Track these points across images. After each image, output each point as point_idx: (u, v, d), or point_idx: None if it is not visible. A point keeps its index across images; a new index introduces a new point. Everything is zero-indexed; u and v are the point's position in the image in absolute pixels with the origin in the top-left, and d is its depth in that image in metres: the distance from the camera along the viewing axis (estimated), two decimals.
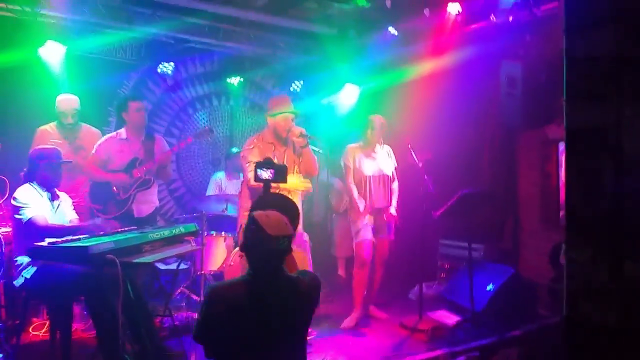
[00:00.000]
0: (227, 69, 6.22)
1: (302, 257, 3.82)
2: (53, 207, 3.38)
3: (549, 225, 4.76)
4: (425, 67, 5.01)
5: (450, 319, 4.35)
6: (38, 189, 3.33)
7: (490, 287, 4.37)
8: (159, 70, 5.63)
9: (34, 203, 3.20)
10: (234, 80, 6.22)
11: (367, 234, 4.36)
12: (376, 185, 4.40)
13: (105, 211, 4.05)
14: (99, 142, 4.17)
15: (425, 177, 4.26)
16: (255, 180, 2.93)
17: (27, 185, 3.32)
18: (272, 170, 2.83)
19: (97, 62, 5.35)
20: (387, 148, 4.57)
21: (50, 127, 4.24)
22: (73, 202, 3.65)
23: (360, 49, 5.63)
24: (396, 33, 5.23)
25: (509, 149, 5.00)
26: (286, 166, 3.08)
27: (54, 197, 3.43)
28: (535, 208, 4.88)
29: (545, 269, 4.51)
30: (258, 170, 2.81)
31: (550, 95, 4.39)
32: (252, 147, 3.90)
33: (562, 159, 4.68)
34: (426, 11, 4.66)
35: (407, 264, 5.32)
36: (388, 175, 4.47)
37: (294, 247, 3.56)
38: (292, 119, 3.93)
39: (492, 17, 4.40)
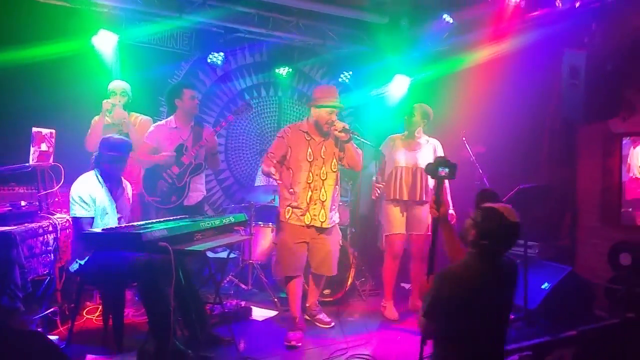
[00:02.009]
0: (276, 59, 6.21)
1: (329, 251, 3.83)
2: (111, 199, 3.41)
3: (609, 223, 4.51)
4: (482, 55, 4.81)
5: None
6: (100, 179, 3.36)
7: (545, 285, 4.19)
8: (209, 61, 5.66)
9: (88, 201, 3.23)
10: (283, 71, 6.20)
11: (398, 228, 4.27)
12: (408, 177, 4.25)
13: (163, 202, 4.07)
14: (149, 130, 4.20)
15: (480, 171, 4.10)
16: (432, 177, 2.70)
17: (89, 174, 3.36)
18: (446, 170, 2.68)
19: (148, 52, 5.43)
20: (434, 142, 4.38)
21: (115, 102, 4.24)
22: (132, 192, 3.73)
23: (412, 38, 5.47)
24: (451, 21, 5.05)
25: (568, 143, 4.75)
26: (456, 164, 2.70)
27: (116, 187, 3.46)
28: (595, 205, 4.62)
29: (604, 269, 4.30)
30: (439, 168, 2.67)
31: (615, 87, 4.13)
32: (280, 136, 3.80)
33: (626, 154, 4.44)
34: None
35: None
36: (423, 169, 4.29)
37: (324, 236, 3.73)
38: (336, 113, 3.76)
39: (558, 3, 4.15)
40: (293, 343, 3.57)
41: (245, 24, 5.44)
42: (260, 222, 4.94)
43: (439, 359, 2.34)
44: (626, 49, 3.99)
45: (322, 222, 3.75)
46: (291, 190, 3.71)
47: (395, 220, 4.28)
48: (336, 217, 3.91)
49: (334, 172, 3.81)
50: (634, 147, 4.38)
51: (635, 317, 3.36)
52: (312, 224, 3.74)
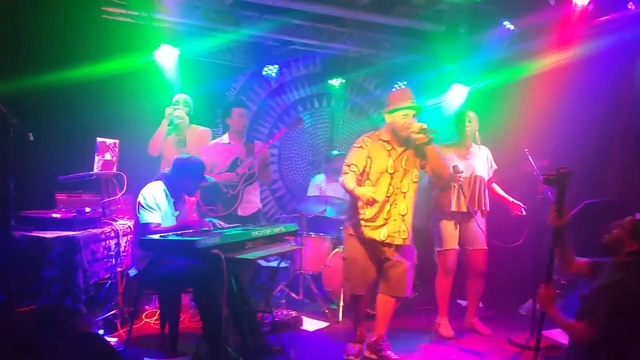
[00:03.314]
0: (330, 70, 6.23)
1: (405, 270, 3.49)
2: (174, 213, 3.49)
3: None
4: (545, 63, 4.60)
5: (566, 338, 3.94)
6: (167, 192, 3.43)
7: None
8: (263, 73, 5.78)
9: (155, 207, 3.30)
10: (336, 82, 6.21)
11: (452, 243, 4.11)
12: (466, 187, 4.08)
13: (216, 210, 4.22)
14: (205, 148, 4.37)
15: (544, 184, 3.89)
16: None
17: (158, 184, 3.42)
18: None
19: (206, 65, 5.61)
20: (485, 149, 4.24)
21: (180, 108, 4.42)
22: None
23: (470, 46, 5.32)
24: (512, 28, 4.87)
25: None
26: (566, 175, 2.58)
27: (179, 202, 3.54)
28: None
29: None
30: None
31: None
32: (359, 146, 3.46)
33: None
34: (552, 0, 4.24)
35: (519, 277, 4.93)
36: (482, 177, 4.13)
37: (403, 254, 3.44)
38: (413, 115, 3.40)
39: (631, 5, 3.90)
40: (351, 357, 3.48)
41: (300, 36, 5.50)
42: (311, 233, 4.94)
43: None
44: None
45: (404, 238, 3.41)
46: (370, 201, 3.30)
47: (449, 235, 4.13)
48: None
49: (415, 183, 3.48)
50: None
51: None
52: (390, 241, 3.40)
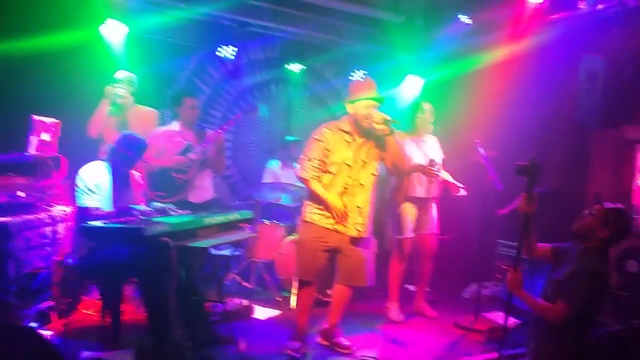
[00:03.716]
0: (288, 55, 6.11)
1: (361, 259, 3.48)
2: (118, 196, 3.31)
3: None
4: (497, 57, 4.70)
5: (508, 320, 4.09)
6: (109, 172, 3.25)
7: None
8: (219, 54, 5.56)
9: (95, 190, 3.12)
10: (294, 67, 6.10)
11: (409, 230, 4.18)
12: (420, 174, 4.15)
13: (166, 196, 4.02)
14: (154, 133, 4.19)
15: (492, 175, 3.99)
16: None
17: (99, 164, 3.24)
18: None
19: (157, 43, 5.30)
20: (433, 138, 4.33)
21: (121, 87, 4.20)
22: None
23: (427, 38, 5.37)
24: (468, 22, 4.94)
25: (581, 148, 4.63)
26: (537, 165, 2.64)
27: (122, 180, 3.36)
28: None
29: (611, 276, 4.18)
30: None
31: (631, 93, 4.03)
32: (318, 139, 3.36)
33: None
34: None
35: (463, 261, 5.08)
36: (439, 165, 4.19)
37: (359, 246, 3.42)
38: (375, 106, 3.34)
39: (583, 5, 4.04)
40: (291, 352, 3.36)
41: (257, 18, 5.34)
42: (265, 220, 4.86)
43: (570, 346, 2.59)
44: None
45: (359, 231, 3.38)
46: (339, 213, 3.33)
47: (407, 223, 4.19)
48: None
49: (374, 176, 3.45)
50: None
51: (619, 330, 3.30)
52: (344, 231, 3.35)
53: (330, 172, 3.35)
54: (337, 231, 3.34)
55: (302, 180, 3.41)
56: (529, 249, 2.78)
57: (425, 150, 4.21)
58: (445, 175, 4.34)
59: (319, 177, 3.34)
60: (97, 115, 4.11)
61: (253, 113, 4.46)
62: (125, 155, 3.26)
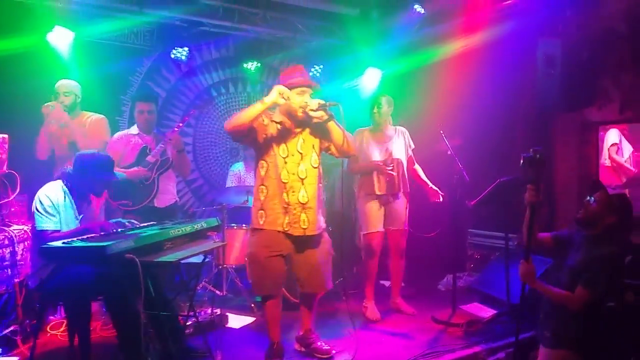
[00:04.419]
0: (244, 54, 5.98)
1: (317, 263, 3.25)
2: (77, 216, 3.13)
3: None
4: (455, 47, 4.73)
5: (485, 312, 4.16)
6: (68, 194, 3.06)
7: None
8: (172, 56, 5.41)
9: (53, 212, 2.96)
10: (251, 66, 5.98)
11: (376, 225, 4.15)
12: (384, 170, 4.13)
13: (129, 204, 3.92)
14: (112, 140, 4.09)
15: (459, 164, 4.01)
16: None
17: (56, 184, 3.05)
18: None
19: (108, 48, 5.14)
20: (401, 130, 4.30)
21: (54, 104, 3.93)
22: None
23: (383, 30, 5.36)
24: (423, 11, 4.94)
25: (544, 133, 4.72)
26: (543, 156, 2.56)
27: (83, 202, 3.17)
28: (573, 195, 4.61)
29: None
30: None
31: (591, 76, 4.12)
32: (259, 120, 3.09)
33: (603, 143, 4.44)
34: None
35: (435, 254, 5.11)
36: (399, 160, 4.18)
37: (310, 247, 3.23)
38: (309, 94, 3.07)
39: None
40: None
41: (210, 17, 5.20)
42: (233, 225, 4.75)
43: (589, 331, 2.62)
44: (601, 36, 3.96)
45: (304, 229, 3.11)
46: (262, 186, 3.12)
47: (373, 218, 4.17)
48: (322, 222, 3.27)
49: (315, 168, 3.16)
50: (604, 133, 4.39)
51: (615, 305, 3.37)
52: (290, 232, 3.11)
53: (263, 162, 3.15)
54: (286, 233, 3.12)
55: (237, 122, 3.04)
56: (533, 238, 2.79)
57: (388, 145, 4.18)
58: (421, 175, 4.32)
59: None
60: (40, 141, 3.90)
61: (208, 106, 4.33)
62: (84, 182, 3.08)
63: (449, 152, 4.10)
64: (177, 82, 5.81)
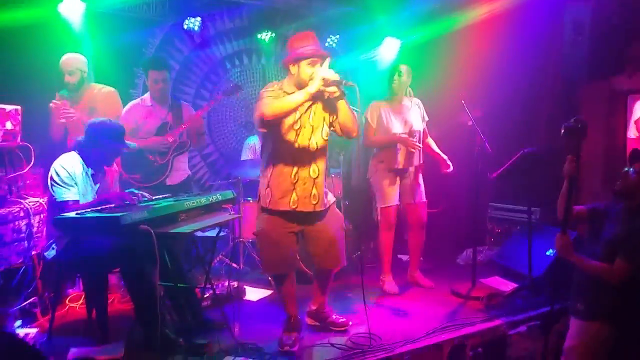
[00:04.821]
0: (258, 23, 5.82)
1: (331, 239, 3.15)
2: (93, 186, 3.12)
3: (612, 186, 4.36)
4: (477, 13, 4.53)
5: (505, 285, 4.09)
6: (83, 164, 3.05)
7: (550, 252, 4.04)
8: (185, 27, 5.29)
9: (71, 182, 2.94)
10: (265, 36, 5.84)
11: (393, 199, 4.06)
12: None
13: (143, 180, 3.84)
14: (124, 110, 3.98)
15: (482, 136, 3.88)
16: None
17: (72, 155, 3.03)
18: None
19: (120, 20, 5.01)
20: (416, 101, 4.17)
21: (58, 98, 3.91)
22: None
23: None
24: None
25: (569, 103, 4.54)
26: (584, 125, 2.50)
27: (98, 172, 3.16)
28: (598, 167, 4.46)
29: None
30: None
31: (621, 42, 3.92)
32: (270, 97, 2.92)
33: (631, 113, 4.26)
34: None
35: (455, 227, 5.02)
36: (419, 132, 4.09)
37: (322, 222, 3.14)
38: (321, 64, 2.91)
39: None
40: (287, 348, 3.03)
41: None
42: (249, 198, 4.70)
43: (624, 303, 2.58)
44: (632, 0, 3.76)
45: (314, 204, 3.01)
46: (270, 161, 3.02)
47: (390, 192, 4.08)
48: (331, 197, 3.19)
49: (325, 140, 3.06)
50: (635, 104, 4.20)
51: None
52: (301, 208, 3.00)
53: (275, 136, 2.99)
54: (295, 211, 3.01)
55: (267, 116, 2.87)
56: (568, 210, 2.73)
57: (406, 117, 4.07)
58: (434, 147, 4.22)
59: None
60: (53, 126, 3.83)
61: (235, 93, 4.22)
62: (97, 151, 3.05)
63: (470, 123, 3.97)
64: (190, 53, 5.70)
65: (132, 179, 3.84)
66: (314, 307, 3.41)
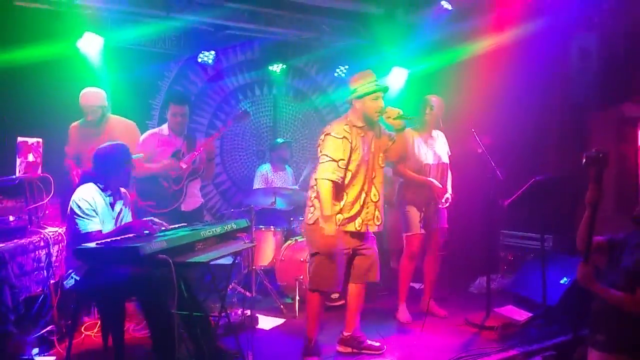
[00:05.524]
0: (269, 56, 5.98)
1: (376, 255, 3.44)
2: (113, 214, 3.19)
3: (625, 212, 4.34)
4: (484, 44, 4.62)
5: (520, 314, 4.04)
6: (101, 192, 3.12)
7: (564, 280, 4.02)
8: (199, 60, 5.45)
9: (92, 213, 3.00)
10: (277, 68, 5.98)
11: (419, 227, 4.08)
12: (435, 174, 4.08)
13: (158, 206, 3.92)
14: (141, 139, 4.11)
15: (492, 163, 3.92)
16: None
17: (89, 186, 3.10)
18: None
19: (136, 54, 5.22)
20: (440, 133, 4.24)
21: (79, 122, 4.11)
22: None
23: (409, 28, 5.28)
24: (450, 7, 4.85)
25: (579, 130, 4.57)
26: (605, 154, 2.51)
27: (116, 199, 3.23)
28: (610, 194, 4.46)
29: None
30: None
31: (628, 70, 3.97)
32: (341, 137, 3.19)
33: None
34: None
35: (468, 255, 5.00)
36: (446, 164, 4.16)
37: (370, 241, 3.38)
38: (381, 97, 3.28)
39: None
40: None
41: (236, 20, 5.21)
42: (261, 226, 4.75)
43: None
44: (638, 28, 3.82)
45: (377, 225, 3.36)
46: (343, 193, 3.25)
47: (416, 220, 4.08)
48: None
49: (382, 167, 3.41)
50: None
51: None
52: (364, 229, 3.31)
53: (350, 171, 3.25)
54: (358, 232, 3.29)
55: (329, 182, 3.16)
56: (585, 239, 2.66)
57: (435, 148, 4.12)
58: (449, 180, 4.24)
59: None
60: (70, 139, 4.03)
61: (244, 119, 4.36)
62: (109, 175, 3.13)
63: (480, 151, 4.00)
64: (204, 85, 5.86)
65: (147, 206, 3.91)
66: (347, 333, 3.46)
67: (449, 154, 4.24)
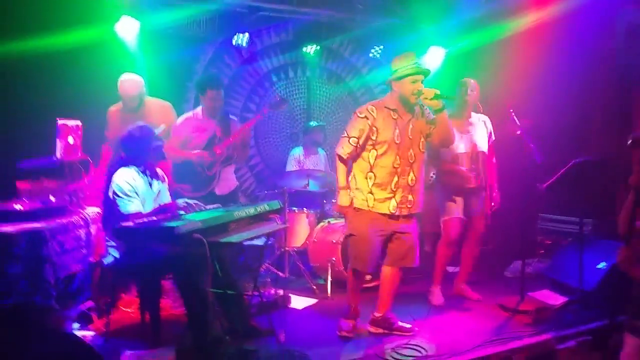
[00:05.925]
0: (303, 37, 5.93)
1: (413, 240, 3.43)
2: (153, 193, 3.30)
3: None
4: (524, 21, 4.45)
5: (555, 299, 3.96)
6: (139, 173, 3.23)
7: (602, 265, 3.90)
8: (233, 43, 5.46)
9: (132, 194, 3.12)
10: (310, 49, 5.94)
11: (456, 212, 4.00)
12: (469, 163, 3.96)
13: (193, 190, 4.02)
14: (177, 123, 4.17)
15: (532, 145, 3.80)
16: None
17: (130, 170, 3.21)
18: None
19: (172, 38, 5.27)
20: (484, 118, 4.08)
21: (117, 106, 4.22)
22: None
23: (447, 5, 5.13)
24: None
25: (624, 111, 4.37)
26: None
27: (153, 178, 3.34)
28: None
29: None
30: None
31: None
32: (363, 116, 3.25)
33: None
34: None
35: (504, 239, 4.90)
36: (484, 152, 4.01)
37: (410, 225, 3.35)
38: (422, 80, 3.23)
39: None
40: (344, 333, 3.38)
41: (269, 2, 5.20)
42: (294, 208, 4.79)
43: None
44: None
45: (409, 208, 3.32)
46: (370, 173, 3.28)
47: (454, 204, 4.00)
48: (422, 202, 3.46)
49: (422, 152, 3.36)
50: None
51: None
52: (398, 212, 3.29)
53: (375, 151, 3.27)
54: (392, 214, 3.28)
55: (338, 157, 3.34)
56: (626, 224, 2.58)
57: (472, 135, 3.98)
58: (493, 176, 4.14)
59: (354, 155, 3.31)
60: (109, 123, 4.16)
61: (281, 107, 4.38)
62: (140, 154, 3.22)
63: (518, 132, 3.88)
64: (238, 68, 5.88)
65: (181, 189, 4.00)
66: (378, 314, 3.50)
67: (493, 139, 4.11)
